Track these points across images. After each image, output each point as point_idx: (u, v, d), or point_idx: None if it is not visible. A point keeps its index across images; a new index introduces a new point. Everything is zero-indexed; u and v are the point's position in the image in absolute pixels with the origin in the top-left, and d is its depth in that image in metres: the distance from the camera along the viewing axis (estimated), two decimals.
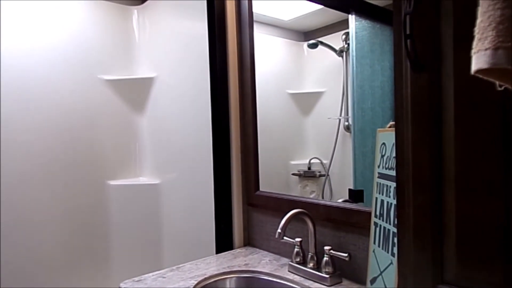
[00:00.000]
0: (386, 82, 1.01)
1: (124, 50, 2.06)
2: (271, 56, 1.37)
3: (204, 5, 1.45)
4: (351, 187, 1.10)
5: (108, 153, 2.02)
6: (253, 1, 1.38)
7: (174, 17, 1.80)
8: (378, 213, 0.87)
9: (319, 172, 1.21)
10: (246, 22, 1.40)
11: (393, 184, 0.80)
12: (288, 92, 1.32)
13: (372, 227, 0.89)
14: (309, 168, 1.24)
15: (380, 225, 0.85)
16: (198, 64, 1.59)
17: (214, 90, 1.45)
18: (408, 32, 0.56)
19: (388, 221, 0.82)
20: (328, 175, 1.17)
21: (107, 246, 2.00)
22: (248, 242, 1.46)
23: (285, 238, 1.19)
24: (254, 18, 1.38)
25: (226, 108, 1.43)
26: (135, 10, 2.08)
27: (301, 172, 1.27)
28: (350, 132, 1.10)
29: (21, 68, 1.72)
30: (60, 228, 1.85)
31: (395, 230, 0.78)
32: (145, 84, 2.02)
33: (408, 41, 0.55)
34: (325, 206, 1.13)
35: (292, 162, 1.30)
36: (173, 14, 1.81)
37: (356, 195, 1.09)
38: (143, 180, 2.08)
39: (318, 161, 1.21)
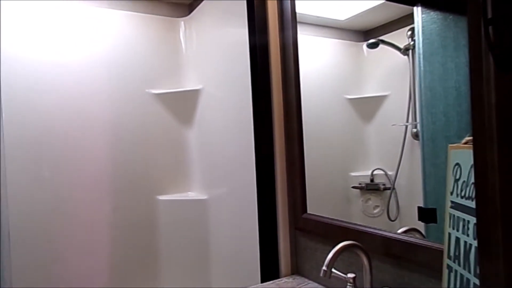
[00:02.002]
0: (463, 82, 0.89)
1: (171, 63, 2.12)
2: (326, 59, 1.31)
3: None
4: (421, 205, 0.99)
5: (157, 167, 2.07)
6: (304, 3, 1.34)
7: (219, 26, 1.81)
8: (452, 254, 0.73)
9: (384, 184, 1.12)
10: (289, 25, 1.35)
11: (473, 220, 0.65)
12: (346, 98, 1.25)
13: (445, 271, 0.74)
14: (371, 180, 1.16)
15: (456, 271, 0.70)
16: (241, 72, 1.58)
17: (256, 101, 1.41)
18: (490, 15, 0.42)
19: (467, 268, 0.66)
20: (394, 188, 1.08)
21: (156, 260, 2.04)
22: (296, 270, 1.36)
23: (334, 272, 1.05)
24: (305, 21, 1.34)
25: (269, 119, 1.39)
26: (182, 22, 2.15)
27: (363, 185, 1.19)
28: (419, 140, 1.00)
29: (73, 84, 1.83)
30: (110, 241, 1.92)
31: (477, 282, 0.62)
32: (192, 97, 2.06)
33: (490, 28, 0.42)
34: (383, 237, 0.98)
35: (352, 174, 1.22)
36: (218, 23, 1.82)
37: (427, 215, 0.97)
38: (192, 195, 2.10)
39: (382, 172, 1.12)
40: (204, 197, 2.00)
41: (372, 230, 1.04)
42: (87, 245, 1.86)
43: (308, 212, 1.30)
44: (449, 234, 0.74)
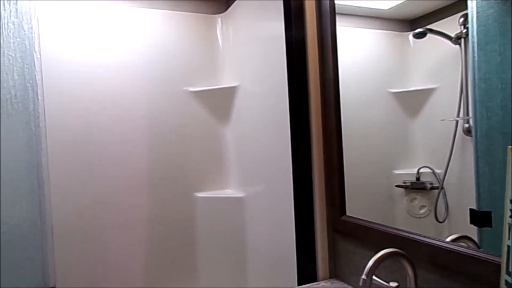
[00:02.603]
0: None
1: (208, 60, 2.14)
2: (367, 52, 1.26)
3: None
4: (473, 207, 0.91)
5: (195, 164, 2.10)
6: None
7: (255, 21, 1.80)
8: None
9: (431, 183, 1.05)
10: (327, 17, 1.30)
11: None
12: (389, 91, 1.18)
13: None
14: (417, 179, 1.09)
15: None
16: (277, 67, 1.55)
17: (292, 97, 1.38)
18: None
19: None
20: (442, 187, 1.01)
21: (193, 257, 2.07)
22: (334, 274, 1.31)
23: (375, 279, 0.98)
24: (345, 11, 1.28)
25: (305, 115, 1.35)
26: (219, 19, 2.16)
27: (408, 184, 1.12)
28: (471, 136, 0.92)
29: (113, 84, 1.90)
30: (149, 237, 1.98)
31: None
32: (229, 94, 2.06)
33: None
34: (431, 245, 0.91)
35: (396, 172, 1.16)
36: (254, 18, 1.81)
37: (480, 218, 0.89)
38: (229, 192, 2.12)
39: (429, 170, 1.05)
40: (240, 194, 2.00)
41: (417, 237, 0.96)
42: (127, 241, 1.93)
43: (348, 214, 1.24)
44: (508, 247, 0.66)
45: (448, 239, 0.91)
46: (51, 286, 0.89)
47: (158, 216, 2.00)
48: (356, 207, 1.24)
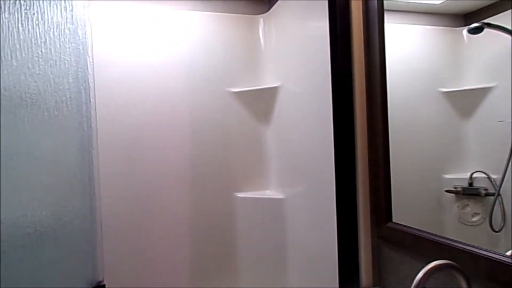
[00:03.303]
0: None
1: (250, 60, 2.16)
2: (417, 49, 1.20)
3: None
4: None
5: (236, 164, 2.13)
6: None
7: (298, 20, 1.78)
8: None
9: (485, 189, 0.99)
10: (374, 14, 1.25)
11: None
12: (440, 91, 1.12)
13: None
14: (470, 184, 1.03)
15: None
16: (321, 67, 1.53)
17: (336, 97, 1.35)
18: None
19: None
20: (499, 194, 0.95)
21: (234, 257, 2.10)
22: (379, 282, 1.26)
23: None
24: (393, 8, 1.24)
25: (350, 116, 1.31)
26: (261, 19, 2.17)
27: (459, 189, 1.06)
28: None
29: (157, 85, 1.97)
30: (191, 236, 2.03)
31: None
32: (270, 94, 2.07)
33: None
34: (488, 258, 0.84)
35: (446, 176, 1.10)
36: (297, 17, 1.79)
37: None
38: (269, 193, 2.12)
39: (483, 175, 0.99)
40: (281, 196, 2.00)
41: (473, 248, 0.90)
42: (170, 238, 2.00)
43: (394, 221, 1.19)
44: None
45: (509, 253, 0.84)
46: (99, 280, 0.94)
47: (200, 215, 2.05)
48: (403, 213, 1.18)
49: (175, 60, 2.02)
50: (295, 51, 1.80)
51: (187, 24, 2.04)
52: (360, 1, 1.31)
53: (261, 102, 2.11)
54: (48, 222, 0.84)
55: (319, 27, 1.53)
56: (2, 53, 0.78)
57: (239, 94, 2.12)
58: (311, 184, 1.67)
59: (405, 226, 1.14)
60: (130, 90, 1.94)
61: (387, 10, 1.23)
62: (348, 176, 1.31)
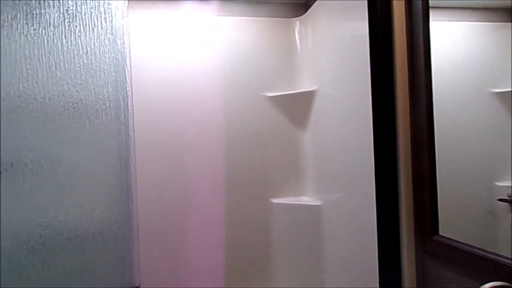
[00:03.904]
0: None
1: (286, 64, 2.14)
2: (464, 47, 1.13)
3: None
4: None
5: (272, 170, 2.12)
6: None
7: (335, 21, 1.74)
8: None
9: None
10: (418, 12, 1.19)
11: None
12: (492, 91, 1.05)
13: None
14: None
15: None
16: (360, 70, 1.48)
17: (376, 100, 1.29)
18: None
19: None
20: None
21: (269, 262, 2.09)
22: None
23: None
24: (438, 5, 1.17)
25: (391, 120, 1.25)
26: (297, 22, 2.15)
27: None
28: None
29: (193, 89, 2.01)
30: (226, 240, 2.04)
31: None
32: (307, 98, 2.04)
33: None
34: None
35: (499, 184, 1.02)
36: (334, 18, 1.75)
37: None
38: (305, 200, 2.09)
39: None
40: (317, 203, 1.96)
41: None
42: (205, 244, 2.02)
43: (440, 234, 1.12)
44: None
45: None
46: (136, 285, 0.96)
47: (235, 220, 2.06)
48: (450, 225, 1.11)
49: (210, 66, 2.04)
50: (333, 53, 1.76)
51: (222, 29, 2.06)
52: (403, 1, 1.25)
53: (297, 106, 2.09)
54: (87, 227, 0.87)
55: (358, 27, 1.48)
56: (47, 65, 0.83)
57: (275, 98, 2.10)
58: (350, 191, 1.62)
59: (453, 240, 1.06)
60: (166, 97, 1.99)
61: (433, 7, 1.16)
62: (389, 184, 1.25)
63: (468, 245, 1.01)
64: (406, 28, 1.24)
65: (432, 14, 1.16)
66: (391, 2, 1.26)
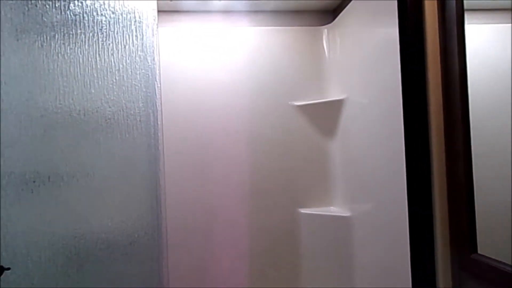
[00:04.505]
0: None
1: (314, 73, 2.12)
2: (503, 51, 1.07)
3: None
4: None
5: (299, 179, 2.10)
6: None
7: (365, 28, 1.71)
8: None
9: None
10: (452, 14, 1.14)
11: None
12: None
13: None
14: None
15: None
16: (390, 77, 1.44)
17: (407, 108, 1.25)
18: None
19: None
20: None
21: (297, 272, 2.06)
22: None
23: None
24: (474, 7, 1.12)
25: (424, 130, 1.20)
26: (325, 30, 2.13)
27: None
28: None
29: (221, 99, 2.03)
30: (254, 248, 2.03)
31: None
32: (335, 107, 2.01)
33: None
34: None
35: None
36: (364, 25, 1.72)
37: None
38: (334, 210, 2.05)
39: None
40: (347, 214, 1.91)
41: None
42: (232, 252, 2.02)
43: (479, 252, 1.06)
44: None
45: None
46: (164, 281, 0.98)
47: (263, 229, 2.05)
48: (490, 243, 1.05)
49: (238, 76, 2.06)
50: (362, 61, 1.73)
51: (249, 39, 2.08)
52: (435, 1, 1.20)
53: (325, 115, 2.06)
54: (118, 238, 0.90)
55: (388, 33, 1.45)
56: (82, 82, 0.87)
57: (302, 107, 2.09)
58: (380, 203, 1.57)
59: (494, 260, 1.00)
60: (194, 107, 2.03)
61: (468, 9, 1.11)
62: (422, 196, 1.21)
63: (510, 266, 0.95)
64: (439, 31, 1.20)
65: (468, 17, 1.11)
66: (422, 5, 1.22)
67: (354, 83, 1.84)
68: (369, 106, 1.67)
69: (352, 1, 1.80)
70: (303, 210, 2.08)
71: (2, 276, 0.83)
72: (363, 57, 1.72)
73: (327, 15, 2.15)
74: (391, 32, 1.41)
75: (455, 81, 1.13)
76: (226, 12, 2.08)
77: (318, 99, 2.09)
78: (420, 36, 1.23)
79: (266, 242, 2.05)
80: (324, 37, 2.12)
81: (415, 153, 1.24)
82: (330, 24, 2.10)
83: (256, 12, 2.11)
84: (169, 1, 1.86)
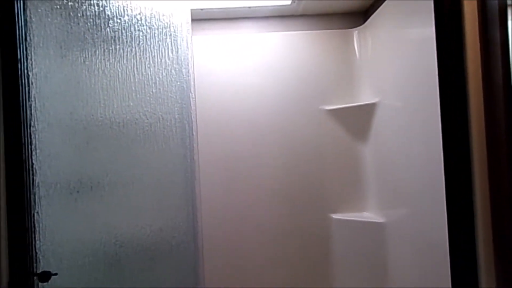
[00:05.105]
0: None
1: (344, 76, 2.10)
2: None
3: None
4: None
5: (331, 184, 2.08)
6: None
7: (398, 29, 1.67)
8: None
9: None
10: (495, 13, 1.09)
11: None
12: None
13: None
14: None
15: None
16: (426, 78, 1.40)
17: (446, 112, 1.21)
18: None
19: None
20: None
21: (328, 279, 2.04)
22: None
23: None
24: None
25: (463, 134, 1.16)
26: (355, 32, 2.10)
27: None
28: None
29: (252, 105, 2.05)
30: (285, 252, 2.03)
31: None
32: (367, 111, 1.98)
33: None
34: None
35: None
36: (397, 26, 1.68)
37: None
38: (367, 216, 2.01)
39: None
40: (381, 220, 1.87)
41: None
42: (265, 257, 2.03)
43: None
44: None
45: None
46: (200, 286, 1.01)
47: (294, 234, 2.05)
48: None
49: (268, 81, 2.07)
50: (395, 62, 1.69)
51: (278, 44, 2.09)
52: (475, 4, 1.16)
53: (357, 119, 2.03)
54: (157, 246, 0.93)
55: (424, 33, 1.42)
56: (121, 95, 0.90)
57: (333, 111, 2.07)
58: (416, 208, 1.53)
59: None
60: (224, 113, 2.06)
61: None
62: (462, 202, 1.16)
63: None
64: (479, 29, 1.15)
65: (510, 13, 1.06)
66: (461, 3, 1.17)
67: (387, 86, 1.80)
68: (403, 109, 1.63)
69: (385, 2, 1.77)
70: (335, 216, 2.06)
71: (49, 281, 0.88)
72: (397, 59, 1.69)
73: (357, 17, 2.12)
74: (427, 32, 1.38)
75: (497, 82, 1.09)
76: (256, 18, 2.10)
77: (349, 103, 2.06)
78: (458, 36, 1.18)
79: (298, 247, 2.05)
80: (355, 39, 2.10)
81: (454, 158, 1.19)
82: (361, 26, 2.07)
83: (285, 17, 2.12)
84: (199, 10, 1.90)
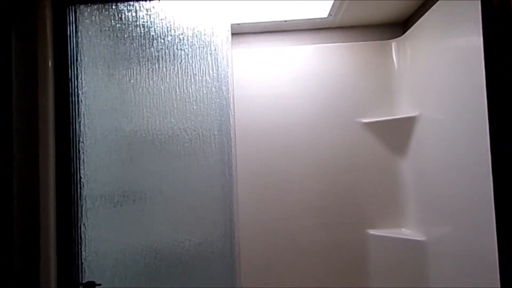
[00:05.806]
0: None
1: (382, 88, 2.05)
2: None
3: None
4: None
5: (368, 199, 2.03)
6: None
7: (440, 39, 1.61)
8: None
9: None
10: None
11: None
12: None
13: None
14: None
15: None
16: (471, 90, 1.34)
17: (494, 126, 1.14)
18: None
19: None
20: None
21: None
22: None
23: None
24: None
25: None
26: (393, 43, 2.06)
27: None
28: None
29: (288, 117, 2.05)
30: (320, 269, 2.00)
31: None
32: (406, 124, 1.92)
33: None
34: None
35: None
36: (439, 35, 1.63)
37: None
38: (406, 232, 1.94)
39: None
40: (421, 238, 1.80)
41: None
42: (300, 271, 2.00)
43: None
44: None
45: None
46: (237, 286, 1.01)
47: (330, 249, 2.02)
48: None
49: (305, 94, 2.07)
50: (438, 74, 1.63)
51: (316, 56, 2.08)
52: None
53: (395, 132, 1.98)
54: (195, 258, 0.95)
55: (470, 42, 1.36)
56: (163, 112, 0.94)
57: (370, 124, 2.03)
58: (461, 226, 1.46)
59: None
60: (261, 126, 2.07)
61: None
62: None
63: None
64: None
65: None
66: (511, 10, 1.12)
67: (428, 98, 1.74)
68: (447, 122, 1.57)
69: (428, 12, 1.72)
70: (372, 231, 2.00)
71: None
72: (440, 70, 1.63)
73: (395, 29, 2.07)
74: (473, 41, 1.32)
75: None
76: (292, 31, 2.12)
77: (387, 116, 2.01)
78: (509, 45, 1.13)
79: (334, 261, 2.01)
80: (393, 51, 2.05)
81: (505, 173, 1.13)
82: (399, 37, 2.03)
83: (321, 30, 2.11)
84: (236, 24, 1.93)
